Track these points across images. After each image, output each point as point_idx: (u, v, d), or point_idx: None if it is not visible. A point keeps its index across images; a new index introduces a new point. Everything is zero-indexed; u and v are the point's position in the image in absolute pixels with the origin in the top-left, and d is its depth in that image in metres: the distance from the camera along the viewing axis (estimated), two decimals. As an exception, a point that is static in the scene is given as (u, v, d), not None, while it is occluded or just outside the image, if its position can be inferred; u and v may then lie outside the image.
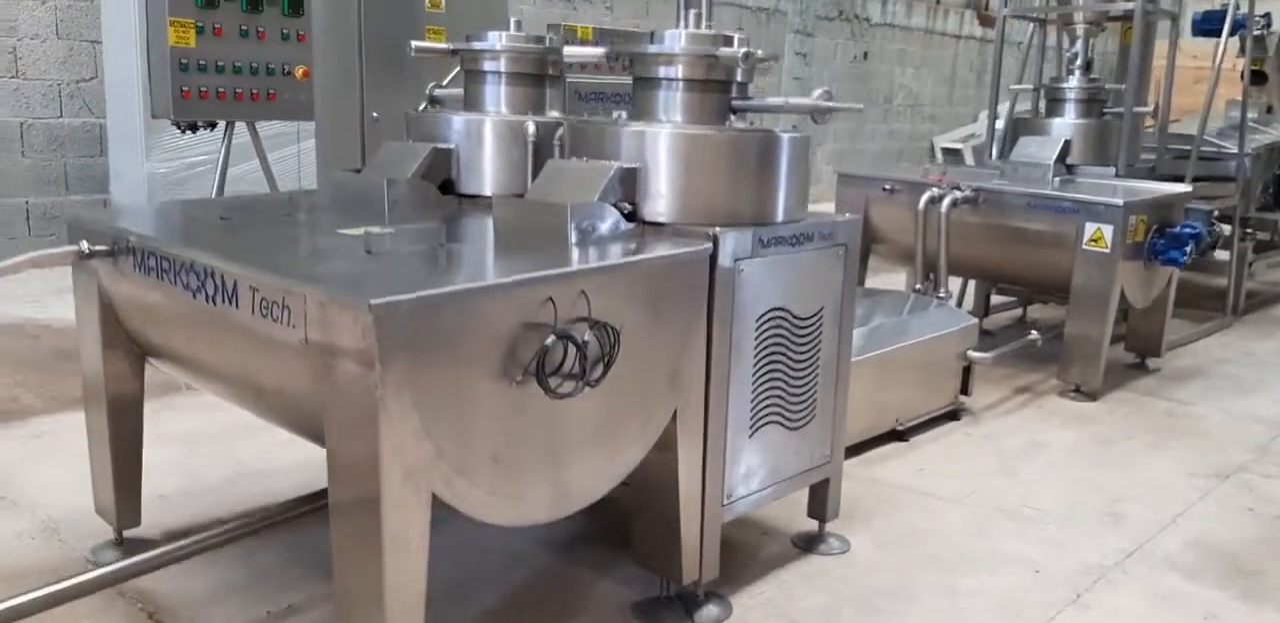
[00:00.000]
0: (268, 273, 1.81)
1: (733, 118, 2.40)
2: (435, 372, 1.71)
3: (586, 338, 1.90)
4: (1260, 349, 5.31)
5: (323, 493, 2.69)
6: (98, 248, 2.27)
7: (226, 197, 2.83)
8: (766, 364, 2.41)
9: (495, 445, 1.85)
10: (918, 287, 4.40)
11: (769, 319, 2.39)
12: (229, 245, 2.13)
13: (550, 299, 1.86)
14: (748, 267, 2.29)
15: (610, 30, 5.77)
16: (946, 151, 12.61)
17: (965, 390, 4.01)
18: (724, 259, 2.22)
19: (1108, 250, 4.04)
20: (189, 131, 4.37)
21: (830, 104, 2.26)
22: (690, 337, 2.19)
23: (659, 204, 2.28)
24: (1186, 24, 6.15)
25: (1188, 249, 4.18)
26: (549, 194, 2.27)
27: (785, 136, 2.35)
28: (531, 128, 2.62)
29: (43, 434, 3.60)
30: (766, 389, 2.43)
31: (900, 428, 3.69)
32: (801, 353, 2.51)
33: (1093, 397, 4.26)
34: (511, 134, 2.67)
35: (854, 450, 3.49)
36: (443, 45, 2.89)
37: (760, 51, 2.34)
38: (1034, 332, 4.26)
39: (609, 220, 2.21)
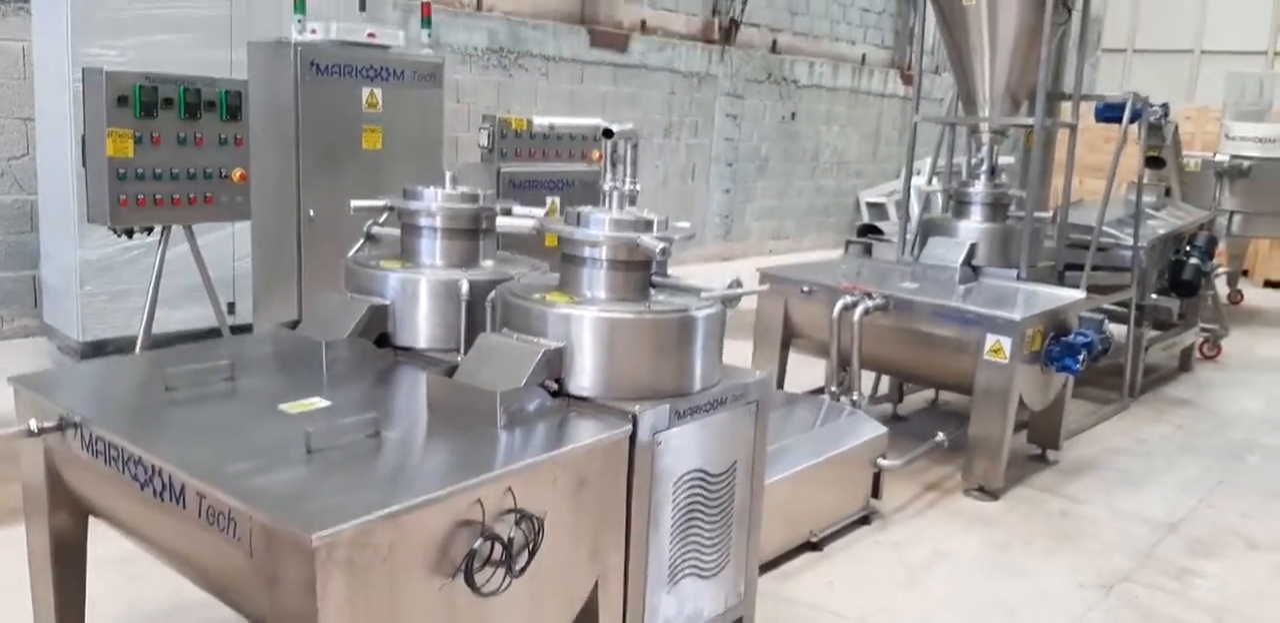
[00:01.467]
0: (214, 485, 1.94)
1: (652, 291, 2.60)
2: (370, 583, 1.85)
3: (512, 535, 2.06)
4: (1153, 435, 5.66)
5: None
6: (46, 425, 2.36)
7: (170, 351, 2.92)
8: (684, 523, 2.59)
9: (427, 640, 1.99)
10: (832, 389, 4.64)
11: (686, 481, 2.57)
12: (174, 436, 2.24)
13: (479, 500, 2.02)
14: (665, 437, 2.47)
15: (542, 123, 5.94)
16: (871, 206, 13.04)
17: (876, 494, 4.25)
18: (643, 434, 2.40)
19: (1006, 360, 4.32)
20: (124, 236, 4.44)
21: (738, 292, 2.47)
22: (610, 509, 2.36)
23: (584, 380, 2.46)
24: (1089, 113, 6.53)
25: (1081, 358, 4.47)
26: (479, 373, 2.42)
27: (701, 315, 2.54)
28: (465, 287, 2.77)
29: (-26, 553, 3.61)
30: (684, 544, 2.61)
31: (814, 539, 3.90)
32: (715, 506, 2.70)
33: (994, 495, 4.52)
34: (446, 292, 2.82)
35: (770, 564, 3.68)
36: (380, 202, 3.03)
37: (677, 236, 2.54)
38: (940, 434, 4.51)
39: (535, 401, 2.37)
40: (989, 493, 4.52)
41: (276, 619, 1.88)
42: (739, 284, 2.47)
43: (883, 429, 4.25)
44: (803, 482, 3.77)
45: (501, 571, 2.05)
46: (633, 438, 2.38)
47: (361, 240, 3.36)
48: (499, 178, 5.71)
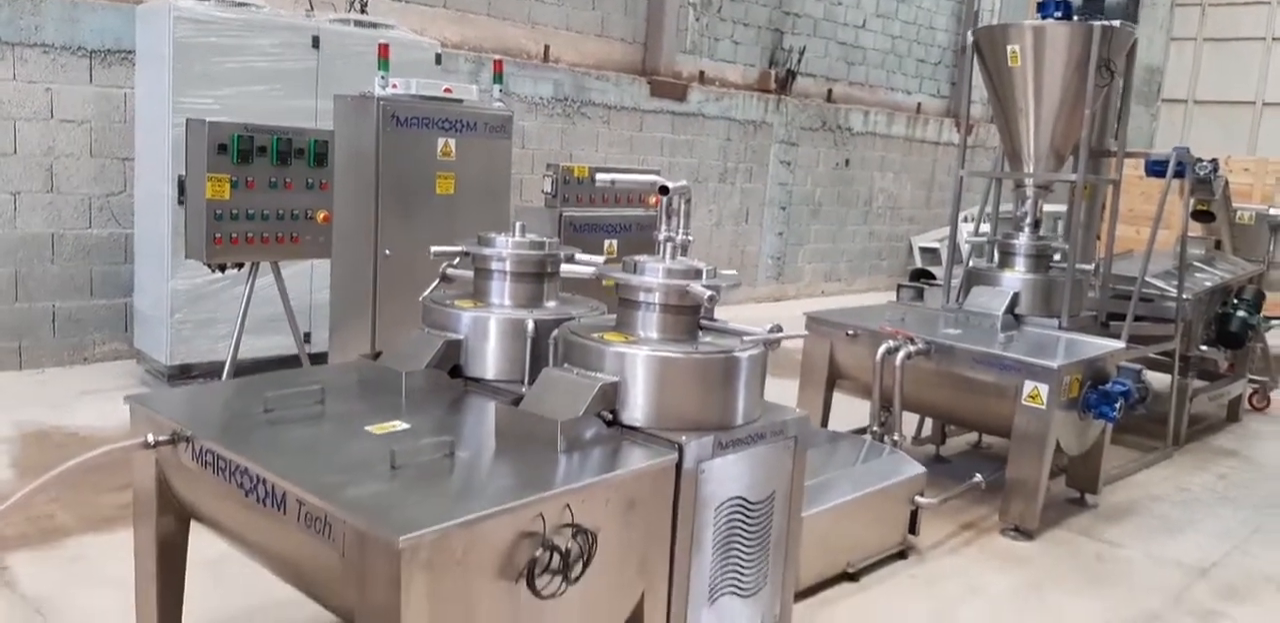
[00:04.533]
0: (313, 493, 2.22)
1: (700, 333, 2.86)
2: (446, 582, 2.12)
3: (569, 546, 2.32)
4: (1195, 483, 5.74)
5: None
6: (160, 438, 2.67)
7: (264, 377, 3.24)
8: (724, 544, 2.82)
9: (491, 638, 2.25)
10: (874, 429, 4.84)
11: (727, 507, 2.81)
12: (275, 450, 2.54)
13: (540, 515, 2.28)
14: (709, 467, 2.71)
15: (601, 168, 6.28)
16: (924, 251, 13.19)
17: (913, 531, 4.42)
18: (688, 462, 2.65)
19: (1043, 406, 4.49)
20: (217, 271, 4.82)
21: (778, 336, 2.72)
22: (657, 529, 2.61)
23: (636, 412, 2.72)
24: (1139, 169, 6.68)
25: (1118, 405, 4.63)
26: (542, 403, 2.69)
27: (744, 356, 2.79)
28: (531, 326, 3.06)
29: (80, 558, 3.91)
30: (724, 566, 2.84)
31: (851, 570, 4.08)
32: (754, 532, 2.92)
33: (1030, 536, 4.67)
34: (513, 329, 3.11)
35: (809, 591, 3.88)
36: (458, 248, 3.33)
37: (724, 284, 2.81)
38: (978, 475, 4.68)
39: (592, 429, 2.64)
40: (1024, 533, 4.67)
41: (364, 612, 2.14)
42: (779, 329, 2.72)
43: (921, 469, 4.43)
44: (842, 515, 3.97)
45: (559, 578, 2.30)
46: (679, 466, 2.63)
47: (437, 281, 3.67)
48: (561, 221, 6.05)
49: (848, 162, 12.04)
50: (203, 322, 6.09)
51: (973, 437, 6.23)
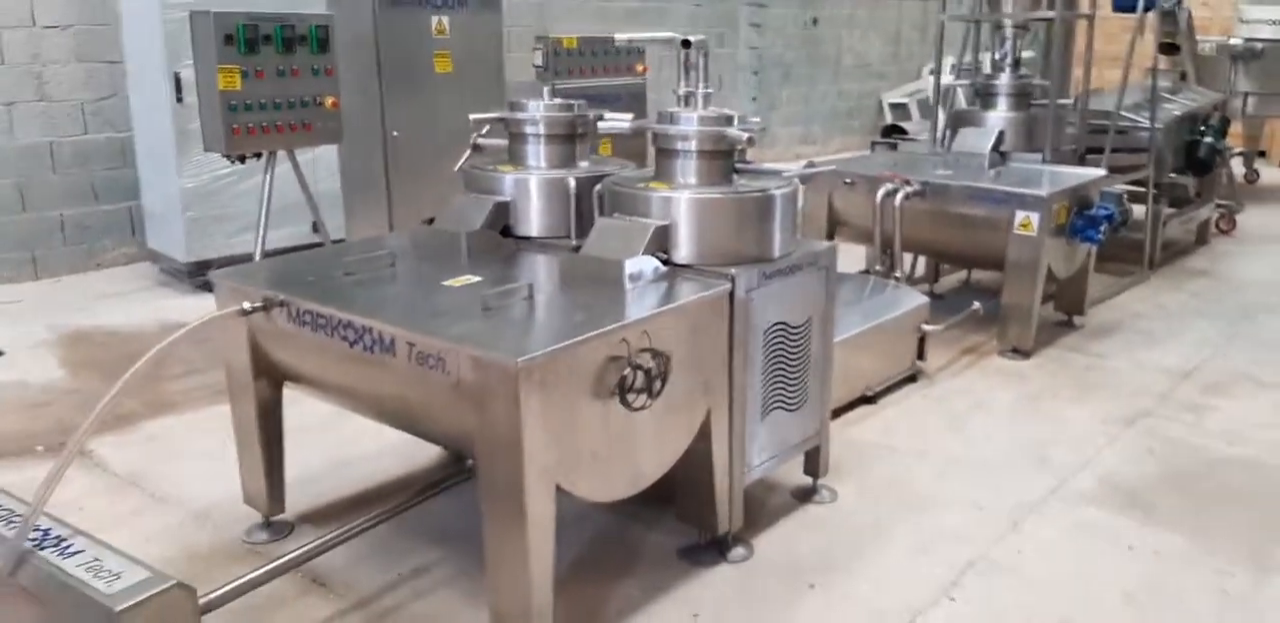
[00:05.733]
0: (425, 334, 2.51)
1: (735, 176, 3.11)
2: (555, 400, 2.43)
3: (650, 365, 2.63)
4: (1171, 302, 6.16)
5: (433, 484, 3.45)
6: (255, 305, 2.92)
7: (331, 248, 3.47)
8: (772, 365, 3.16)
9: (593, 447, 2.59)
10: (877, 268, 5.16)
11: (772, 331, 3.13)
12: (372, 303, 2.80)
13: (624, 339, 2.58)
14: (756, 295, 3.01)
15: (590, 38, 6.37)
16: (893, 107, 13.31)
17: (921, 356, 4.81)
18: (739, 292, 2.94)
19: (1034, 234, 4.81)
20: (238, 162, 4.96)
21: (812, 171, 2.98)
22: (716, 352, 2.93)
23: (685, 251, 2.99)
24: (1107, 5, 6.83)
25: (1102, 229, 4.96)
26: (603, 248, 2.96)
27: (779, 194, 3.05)
28: (573, 184, 3.30)
29: (156, 437, 4.23)
30: (773, 383, 3.18)
31: (869, 394, 4.48)
32: (796, 352, 3.26)
33: (1026, 355, 5.08)
34: (555, 188, 3.34)
35: (833, 415, 4.26)
36: (495, 114, 3.51)
37: (755, 129, 3.04)
38: (976, 303, 5.05)
39: (651, 268, 2.92)
40: (1021, 353, 5.08)
41: (483, 431, 2.45)
42: (813, 165, 2.98)
43: (924, 299, 4.79)
44: (858, 345, 4.33)
45: (644, 394, 2.62)
46: (731, 295, 2.92)
47: (469, 151, 3.86)
48: (554, 94, 6.17)
49: (815, 20, 12.00)
50: (216, 218, 6.23)
51: (963, 275, 6.59)
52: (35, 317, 5.82)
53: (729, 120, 3.03)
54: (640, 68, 6.48)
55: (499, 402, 2.38)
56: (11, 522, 2.40)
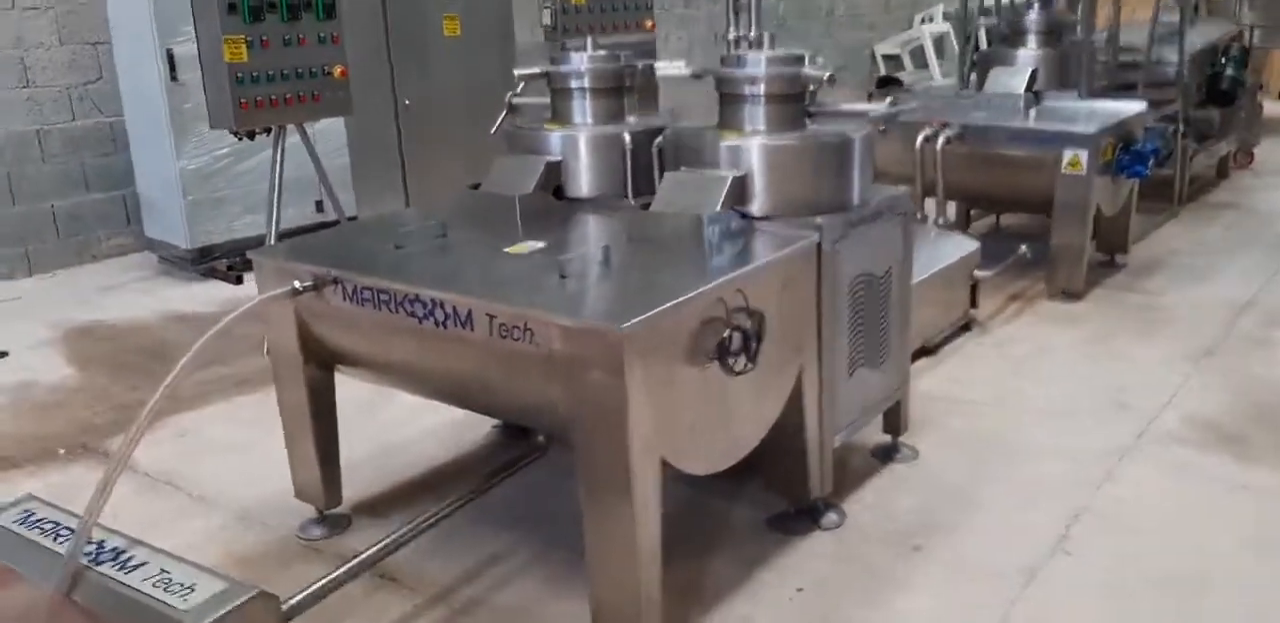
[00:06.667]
0: (509, 305, 2.31)
1: (807, 120, 2.91)
2: (656, 368, 2.25)
3: (747, 325, 2.45)
4: (1207, 237, 6.02)
5: (508, 465, 3.27)
6: (306, 284, 2.71)
7: (380, 221, 3.25)
8: (856, 319, 2.98)
9: (693, 416, 2.41)
10: (920, 215, 4.97)
11: (858, 283, 2.95)
12: (438, 275, 2.60)
13: (721, 299, 2.40)
14: (842, 246, 2.82)
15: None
16: (886, 57, 13.05)
17: (974, 304, 4.65)
18: (826, 244, 2.75)
19: (1084, 172, 4.64)
20: (246, 139, 4.71)
21: (896, 108, 2.78)
22: (805, 307, 2.75)
23: (764, 202, 2.80)
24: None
25: (1150, 164, 4.80)
26: (676, 204, 2.76)
27: (857, 138, 2.86)
28: (627, 138, 3.09)
29: (186, 433, 4.00)
30: (858, 339, 3.01)
31: (928, 345, 4.32)
32: (879, 304, 3.08)
33: (1078, 297, 4.93)
34: (608, 145, 3.13)
35: (898, 369, 4.11)
36: (536, 69, 3.29)
37: (827, 70, 2.83)
38: (1023, 246, 4.88)
39: (733, 222, 2.72)
40: (1073, 296, 4.92)
41: (581, 406, 2.27)
42: (896, 102, 2.78)
43: (976, 243, 4.62)
44: (917, 294, 4.13)
45: (743, 357, 2.44)
46: (818, 246, 2.73)
47: (504, 112, 3.63)
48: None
49: (805, -31, 11.70)
50: (217, 201, 5.98)
51: (991, 220, 6.42)
52: (35, 314, 5.56)
53: (800, 60, 2.83)
54: (649, 23, 6.23)
55: (599, 373, 2.20)
56: (59, 535, 2.20)
